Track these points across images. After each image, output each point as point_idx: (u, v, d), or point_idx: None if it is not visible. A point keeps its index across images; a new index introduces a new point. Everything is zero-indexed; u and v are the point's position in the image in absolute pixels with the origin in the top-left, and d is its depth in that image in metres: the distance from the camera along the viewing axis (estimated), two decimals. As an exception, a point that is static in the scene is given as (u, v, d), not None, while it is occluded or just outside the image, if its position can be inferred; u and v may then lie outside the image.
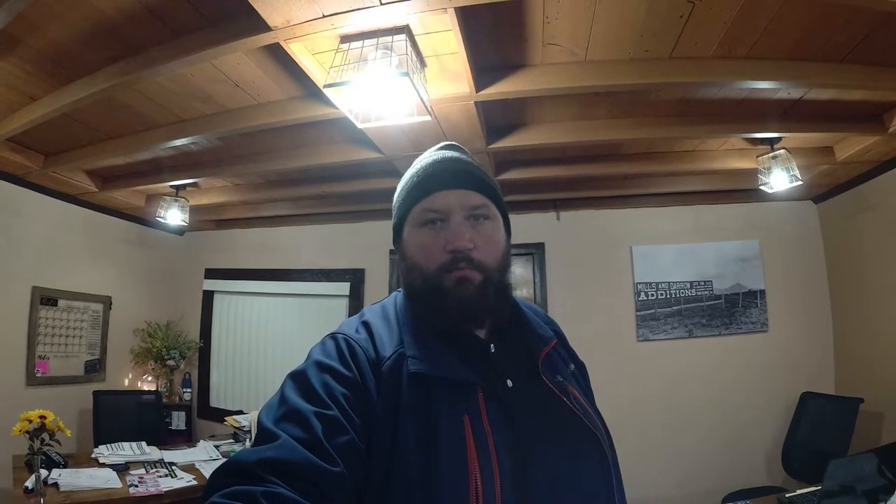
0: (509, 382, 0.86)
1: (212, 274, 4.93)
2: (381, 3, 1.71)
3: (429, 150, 1.02)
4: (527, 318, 0.99)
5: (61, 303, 3.86)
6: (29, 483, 2.42)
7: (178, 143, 2.95)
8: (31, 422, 2.43)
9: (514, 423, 0.81)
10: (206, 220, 4.78)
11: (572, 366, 1.00)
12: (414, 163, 1.00)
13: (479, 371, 0.85)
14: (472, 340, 0.91)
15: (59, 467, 2.69)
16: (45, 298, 3.75)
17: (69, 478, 2.57)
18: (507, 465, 0.76)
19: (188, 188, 3.93)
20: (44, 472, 2.49)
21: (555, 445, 0.82)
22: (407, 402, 0.80)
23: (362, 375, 0.82)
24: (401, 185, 0.99)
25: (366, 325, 0.90)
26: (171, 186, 3.81)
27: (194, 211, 4.09)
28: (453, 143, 1.05)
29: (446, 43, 2.01)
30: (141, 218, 4.51)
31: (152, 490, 2.59)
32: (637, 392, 3.96)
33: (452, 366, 0.84)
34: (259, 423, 0.78)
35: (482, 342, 0.92)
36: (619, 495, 0.87)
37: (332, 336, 0.89)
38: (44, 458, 2.53)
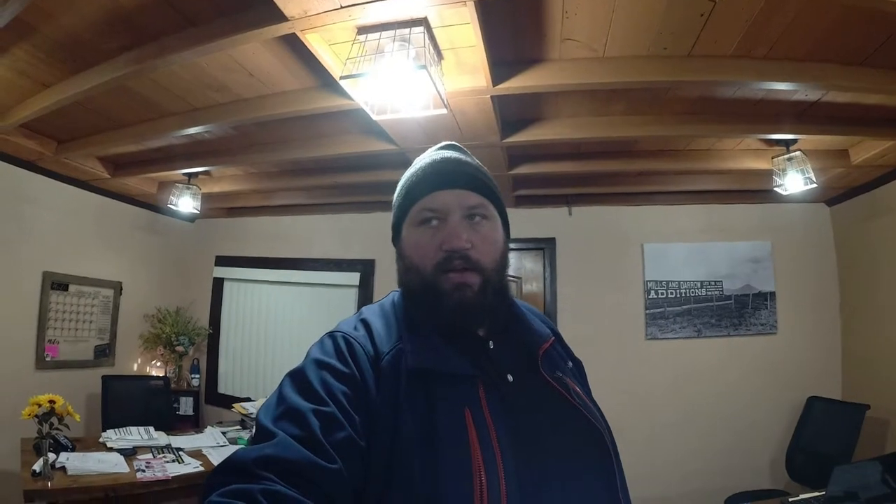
0: (510, 377, 0.87)
1: (222, 261, 4.95)
2: (400, -5, 1.70)
3: (429, 150, 1.02)
4: (525, 316, 1.00)
5: (72, 288, 3.89)
6: (37, 466, 2.44)
7: (191, 131, 2.95)
8: (40, 406, 2.45)
9: (516, 417, 0.81)
10: (218, 207, 4.78)
11: (570, 363, 1.01)
12: (414, 162, 1.01)
13: (478, 366, 0.86)
14: (471, 337, 0.92)
15: (66, 451, 2.71)
16: (56, 283, 3.77)
17: (77, 462, 2.59)
18: (511, 458, 0.76)
19: (200, 176, 3.93)
20: (52, 456, 2.51)
21: (557, 439, 0.82)
22: (406, 397, 0.80)
23: (361, 372, 0.82)
24: (400, 185, 1.00)
25: (364, 322, 0.91)
26: (184, 174, 3.82)
27: (206, 199, 4.09)
28: (453, 143, 1.05)
29: (464, 36, 1.99)
30: (152, 205, 4.53)
31: (159, 475, 2.61)
32: (643, 390, 3.96)
33: (452, 360, 0.84)
34: (257, 421, 0.77)
35: (481, 339, 0.92)
36: (622, 488, 0.87)
37: (331, 334, 0.89)
38: (52, 441, 2.55)
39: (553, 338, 0.99)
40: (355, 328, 0.89)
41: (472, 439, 0.76)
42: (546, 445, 0.81)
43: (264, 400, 3.25)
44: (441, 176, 0.94)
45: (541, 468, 0.78)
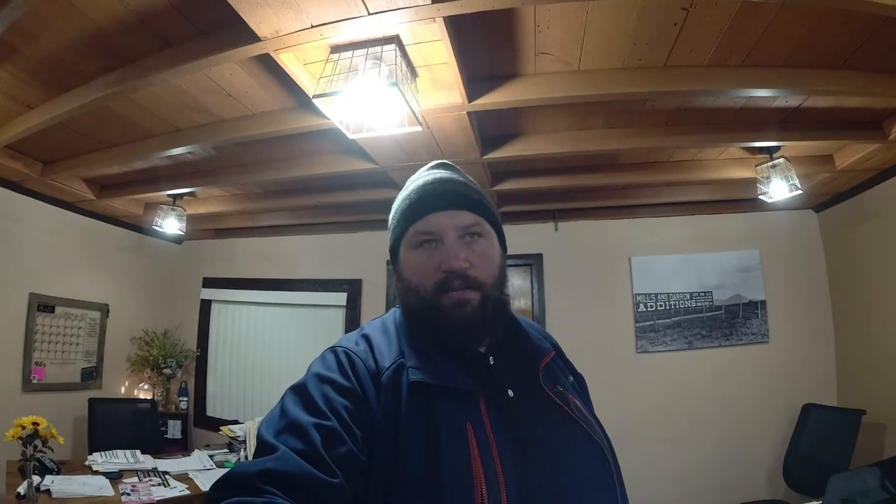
0: (510, 392, 0.87)
1: (209, 283, 4.93)
2: (370, 13, 1.71)
3: (420, 170, 1.03)
4: (525, 331, 1.01)
5: (58, 310, 3.86)
6: (21, 489, 2.41)
7: (173, 152, 2.95)
8: (23, 428, 2.43)
9: (517, 431, 0.82)
10: (204, 229, 4.78)
11: (571, 377, 1.02)
12: (406, 184, 1.02)
13: (479, 381, 0.86)
14: (472, 353, 0.92)
15: (52, 474, 2.68)
16: (43, 305, 3.75)
17: (61, 485, 2.56)
18: (511, 473, 0.76)
19: (185, 197, 3.93)
20: (36, 479, 2.48)
21: (558, 454, 0.83)
22: (407, 411, 0.80)
23: (362, 386, 0.82)
24: (394, 207, 1.01)
25: (365, 337, 0.92)
26: (169, 195, 3.81)
27: (192, 220, 4.09)
28: (444, 161, 1.06)
29: (437, 53, 2.00)
30: (139, 226, 4.51)
31: (144, 499, 2.57)
32: (636, 404, 3.92)
33: (453, 374, 0.84)
34: (259, 436, 0.78)
35: (481, 355, 0.92)
36: (624, 502, 0.88)
37: (332, 349, 0.89)
38: (37, 464, 2.52)
39: (553, 352, 1.00)
40: (356, 343, 0.90)
41: (473, 454, 0.76)
42: (547, 459, 0.81)
43: (252, 422, 3.18)
44: (433, 197, 0.94)
45: (542, 482, 0.79)
